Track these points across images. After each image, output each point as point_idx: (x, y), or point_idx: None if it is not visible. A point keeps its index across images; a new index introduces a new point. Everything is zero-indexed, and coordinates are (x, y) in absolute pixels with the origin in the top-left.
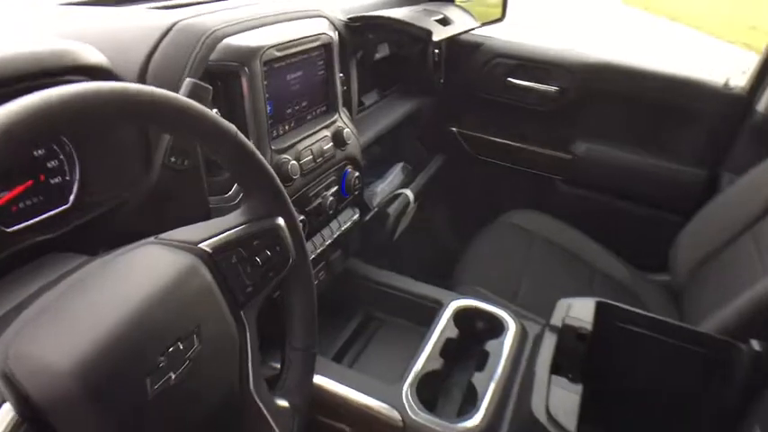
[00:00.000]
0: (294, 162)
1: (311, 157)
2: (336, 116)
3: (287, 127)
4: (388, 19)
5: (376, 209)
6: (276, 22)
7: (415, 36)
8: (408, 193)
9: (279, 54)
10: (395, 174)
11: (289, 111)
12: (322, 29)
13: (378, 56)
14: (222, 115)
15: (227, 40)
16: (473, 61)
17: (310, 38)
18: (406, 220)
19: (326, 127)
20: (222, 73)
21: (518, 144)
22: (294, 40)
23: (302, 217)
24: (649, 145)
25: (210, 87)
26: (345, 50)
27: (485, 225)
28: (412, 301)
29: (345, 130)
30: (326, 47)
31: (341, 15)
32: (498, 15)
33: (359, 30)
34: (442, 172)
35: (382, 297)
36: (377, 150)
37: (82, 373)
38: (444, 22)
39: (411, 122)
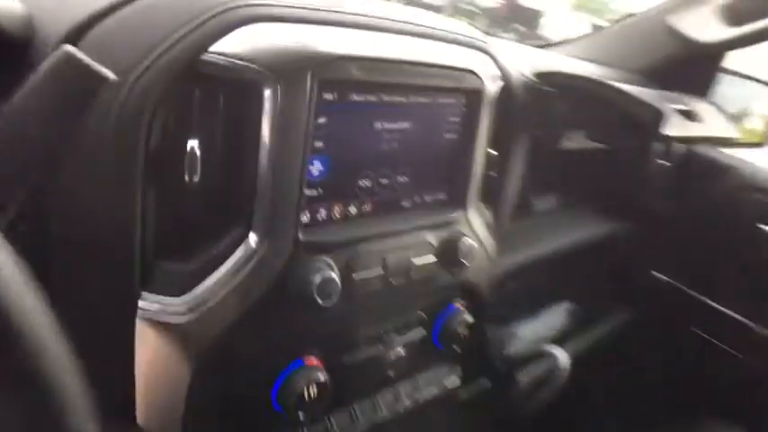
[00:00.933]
0: (334, 275)
1: (381, 271)
2: (461, 215)
3: (349, 209)
4: (603, 85)
5: (499, 368)
6: (389, 30)
7: (637, 121)
8: (561, 354)
9: (362, 77)
10: (550, 317)
11: (362, 183)
12: (474, 66)
13: (568, 144)
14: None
15: (253, 27)
16: (710, 188)
17: (445, 71)
18: (546, 395)
19: (433, 228)
20: (228, 82)
21: (760, 329)
22: (406, 63)
23: (321, 378)
24: None
25: None
26: (513, 117)
27: None
28: None
29: (467, 242)
30: (472, 96)
31: (525, 69)
32: (759, 139)
33: (546, 95)
34: (626, 334)
35: None
36: (530, 278)
37: None
38: (689, 115)
39: (595, 252)
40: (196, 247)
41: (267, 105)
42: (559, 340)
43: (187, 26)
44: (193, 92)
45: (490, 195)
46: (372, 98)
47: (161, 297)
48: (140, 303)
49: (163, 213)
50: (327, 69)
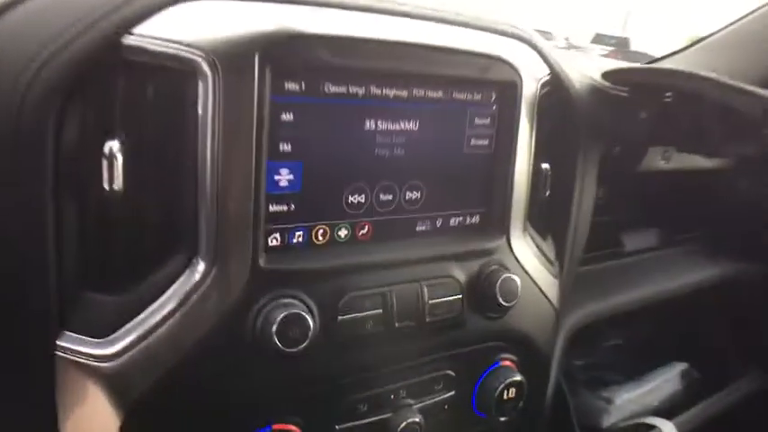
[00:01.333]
0: (303, 314)
1: (379, 311)
2: (500, 243)
3: (338, 232)
4: (690, 77)
5: None
6: (383, 11)
7: (743, 120)
8: (669, 429)
9: (338, 62)
10: (655, 382)
11: (354, 198)
12: (506, 53)
13: (664, 165)
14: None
15: (189, 5)
16: None
17: (461, 57)
18: None
19: (458, 258)
20: (157, 69)
21: None
22: (401, 45)
23: None
24: None
25: None
26: (574, 126)
27: None
28: None
29: (510, 278)
30: (505, 91)
31: (591, 70)
32: None
33: (621, 101)
34: (755, 406)
35: None
36: (628, 332)
37: None
38: None
39: (712, 300)
40: (128, 277)
41: (205, 97)
42: (667, 411)
43: (107, 4)
44: (116, 83)
45: (550, 223)
46: (358, 90)
47: (85, 337)
48: (60, 344)
49: (83, 233)
50: (283, 51)
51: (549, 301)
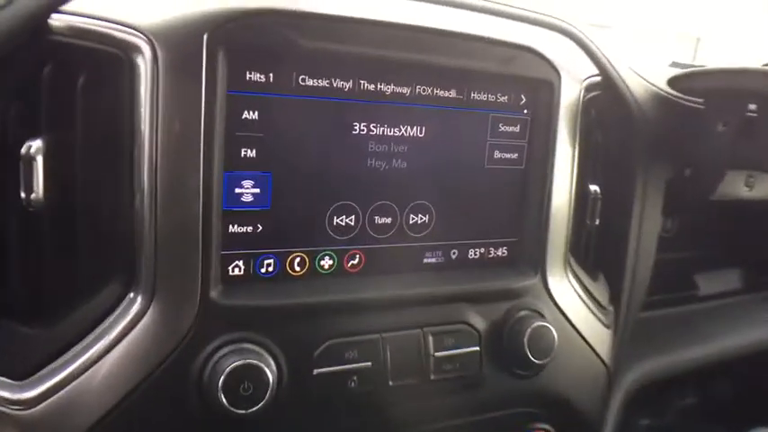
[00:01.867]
0: (260, 364)
1: (368, 365)
2: (533, 283)
3: (319, 262)
4: None
5: None
6: None
7: None
8: None
9: (316, 47)
10: None
11: (340, 220)
12: (540, 46)
13: (747, 193)
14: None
15: None
16: None
17: (478, 46)
18: None
19: (477, 301)
20: (88, 53)
21: None
22: (398, 28)
23: None
24: None
25: None
26: (633, 142)
27: None
28: None
29: (544, 328)
30: (539, 93)
31: (655, 77)
32: None
33: (692, 114)
34: None
35: None
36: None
37: None
38: None
39: None
40: (56, 307)
41: (144, 86)
42: None
43: None
44: (39, 69)
45: (601, 259)
46: (343, 84)
47: (3, 378)
48: None
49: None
50: (240, 32)
51: (598, 355)
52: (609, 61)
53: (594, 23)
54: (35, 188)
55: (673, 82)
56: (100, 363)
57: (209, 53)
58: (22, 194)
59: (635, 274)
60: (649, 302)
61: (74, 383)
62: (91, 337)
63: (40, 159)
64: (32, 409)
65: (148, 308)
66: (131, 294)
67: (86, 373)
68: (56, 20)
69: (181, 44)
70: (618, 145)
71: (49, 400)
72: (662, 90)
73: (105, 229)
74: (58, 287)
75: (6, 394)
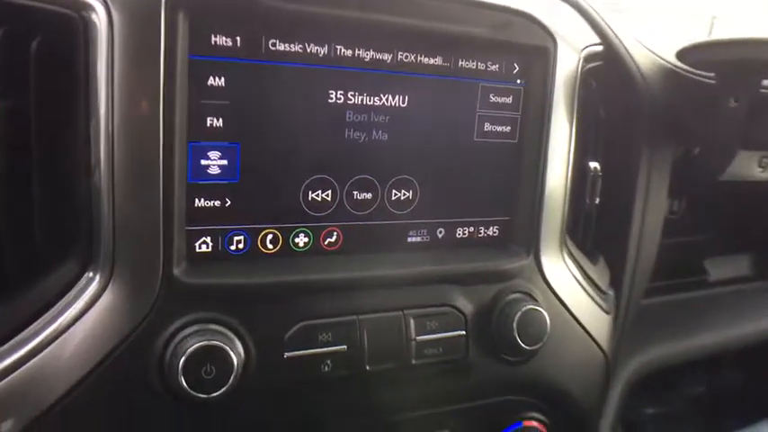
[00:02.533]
0: (224, 346)
1: (343, 348)
2: (525, 264)
3: (293, 239)
4: None
5: None
6: None
7: None
8: None
9: (288, 8)
10: None
11: (315, 195)
12: (537, 11)
13: (758, 173)
14: None
15: None
16: None
17: (470, 8)
18: None
19: (464, 282)
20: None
21: None
22: None
23: None
24: None
25: None
26: (637, 118)
27: None
28: None
29: (536, 312)
30: (534, 61)
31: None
32: None
33: (702, 88)
34: None
35: None
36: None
37: None
38: None
39: None
40: (12, 283)
41: (99, 50)
42: None
43: None
44: None
45: (602, 240)
46: (317, 49)
47: None
48: None
49: None
50: None
51: (596, 342)
52: (611, 29)
53: (607, 3)
54: None
55: (682, 54)
56: (59, 340)
57: (169, 15)
58: None
59: (638, 258)
60: (654, 288)
61: (34, 360)
62: (49, 315)
63: None
64: None
65: (107, 286)
66: (90, 272)
67: (46, 351)
68: None
69: (137, 5)
70: (621, 120)
71: (11, 376)
72: (670, 63)
73: (62, 203)
74: (17, 262)
75: None
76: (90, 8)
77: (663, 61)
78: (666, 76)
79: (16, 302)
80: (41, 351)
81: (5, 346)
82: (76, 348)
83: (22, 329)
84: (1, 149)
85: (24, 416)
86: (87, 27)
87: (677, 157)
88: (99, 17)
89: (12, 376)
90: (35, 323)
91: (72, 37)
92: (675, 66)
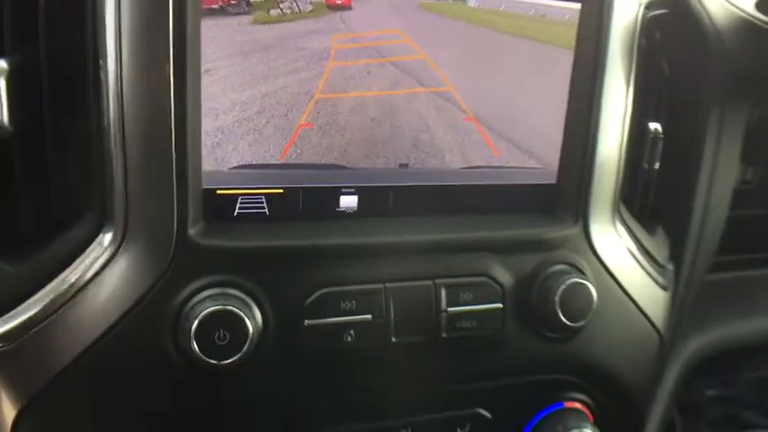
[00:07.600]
0: (237, 311)
1: (368, 317)
2: (570, 233)
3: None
4: None
5: None
6: None
7: None
8: None
9: None
10: None
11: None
12: None
13: None
14: None
15: None
16: None
17: None
18: None
19: (501, 250)
20: None
21: None
22: None
23: None
24: None
25: None
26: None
27: None
28: None
29: (582, 286)
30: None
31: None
32: None
33: None
34: None
35: None
36: None
37: None
38: None
39: None
40: (29, 242)
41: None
42: None
43: None
44: None
45: (661, 209)
46: None
47: None
48: None
49: None
50: None
51: (650, 320)
52: None
53: None
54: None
55: (763, 5)
56: (73, 302)
57: None
58: None
59: (702, 230)
60: (720, 263)
61: (49, 320)
62: (62, 275)
63: (2, 82)
64: (10, 345)
65: (121, 246)
66: (104, 233)
67: (59, 312)
68: None
69: None
70: (688, 77)
71: (26, 337)
72: (748, 14)
73: (76, 160)
74: (32, 221)
75: None
76: None
77: (740, 11)
78: (743, 29)
79: (31, 263)
80: (55, 313)
81: (20, 307)
82: (90, 310)
83: (37, 291)
84: (14, 106)
85: (38, 378)
86: None
87: (752, 119)
88: None
89: (31, 332)
90: (49, 284)
91: None
92: (755, 17)
